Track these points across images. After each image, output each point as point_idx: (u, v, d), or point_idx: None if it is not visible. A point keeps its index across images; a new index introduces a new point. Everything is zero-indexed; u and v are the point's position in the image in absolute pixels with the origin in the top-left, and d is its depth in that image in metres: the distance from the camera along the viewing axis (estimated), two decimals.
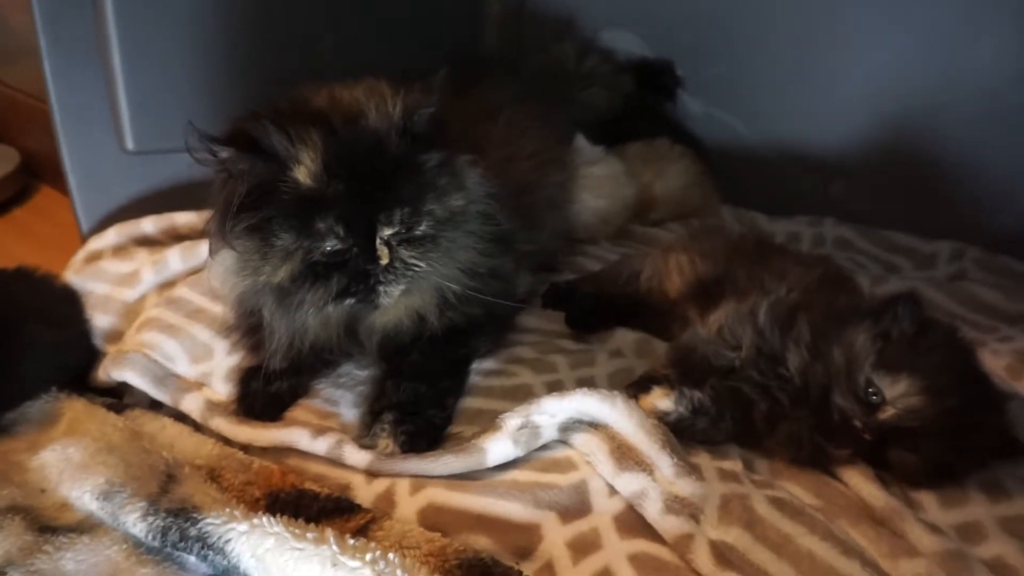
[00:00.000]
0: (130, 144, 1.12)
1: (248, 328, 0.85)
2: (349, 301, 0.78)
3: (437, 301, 0.84)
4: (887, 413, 0.71)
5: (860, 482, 0.73)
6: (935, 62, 1.24)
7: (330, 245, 0.75)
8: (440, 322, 0.85)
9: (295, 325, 0.81)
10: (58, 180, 1.20)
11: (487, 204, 0.85)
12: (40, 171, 1.65)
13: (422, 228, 0.78)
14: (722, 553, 0.65)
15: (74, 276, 1.03)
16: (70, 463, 0.75)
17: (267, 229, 0.75)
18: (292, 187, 0.74)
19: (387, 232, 0.76)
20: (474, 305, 0.86)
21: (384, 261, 0.76)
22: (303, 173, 0.74)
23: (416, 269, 0.78)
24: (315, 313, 0.80)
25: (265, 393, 0.85)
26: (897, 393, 0.71)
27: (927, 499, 0.72)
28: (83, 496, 0.71)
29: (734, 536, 0.65)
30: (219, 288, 0.84)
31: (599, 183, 1.26)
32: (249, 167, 0.74)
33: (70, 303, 0.99)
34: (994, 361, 0.89)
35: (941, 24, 1.22)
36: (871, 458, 0.74)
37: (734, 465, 0.75)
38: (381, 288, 0.77)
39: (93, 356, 0.95)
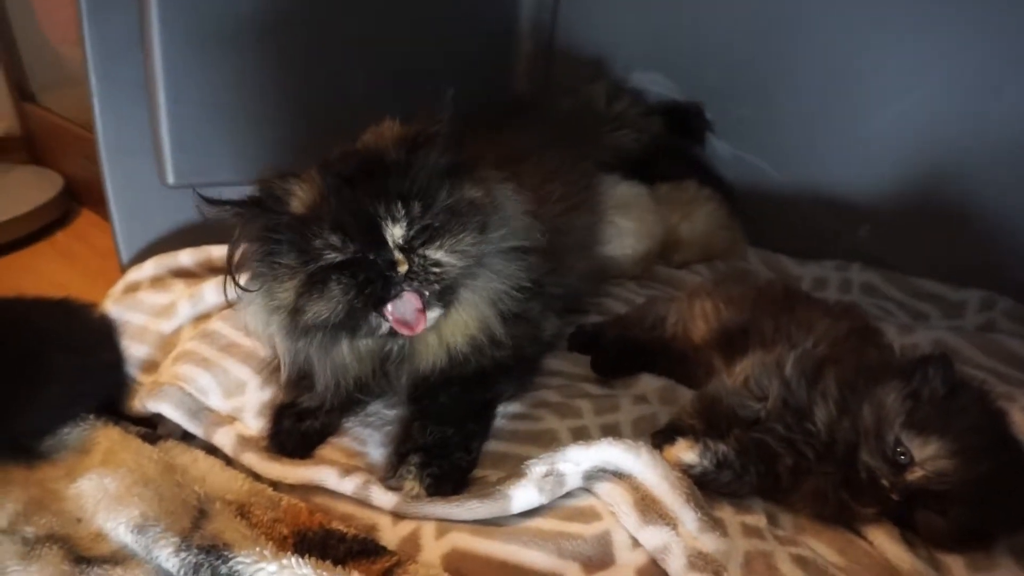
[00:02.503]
0: (171, 178, 1.16)
1: (298, 371, 0.87)
2: (387, 324, 0.78)
3: (494, 312, 0.85)
4: (916, 475, 0.71)
5: (886, 542, 0.72)
6: (960, 109, 1.24)
7: (330, 259, 0.77)
8: (475, 360, 0.86)
9: (335, 363, 0.83)
10: (99, 205, 1.24)
11: (524, 219, 0.87)
12: (81, 196, 1.70)
13: (439, 220, 0.78)
14: None
15: (113, 306, 1.06)
16: (107, 494, 0.77)
17: (271, 262, 0.79)
18: (289, 219, 0.78)
19: (397, 231, 0.76)
20: (502, 348, 0.88)
21: (403, 269, 0.76)
22: (297, 202, 0.78)
23: (439, 270, 0.77)
24: (349, 348, 0.82)
25: (296, 431, 0.87)
26: (927, 455, 0.71)
27: (954, 563, 0.71)
28: (118, 528, 0.73)
29: None
30: (255, 330, 0.87)
31: (633, 220, 1.27)
32: (250, 217, 0.79)
33: (103, 332, 1.02)
34: None
35: (966, 72, 1.23)
36: (898, 518, 0.74)
37: (758, 520, 0.75)
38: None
39: (124, 384, 0.98)
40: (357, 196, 0.76)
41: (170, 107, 1.12)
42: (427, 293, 0.78)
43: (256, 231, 0.80)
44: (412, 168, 0.78)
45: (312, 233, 0.76)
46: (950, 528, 0.71)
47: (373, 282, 0.76)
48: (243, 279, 0.82)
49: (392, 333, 0.80)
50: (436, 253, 0.77)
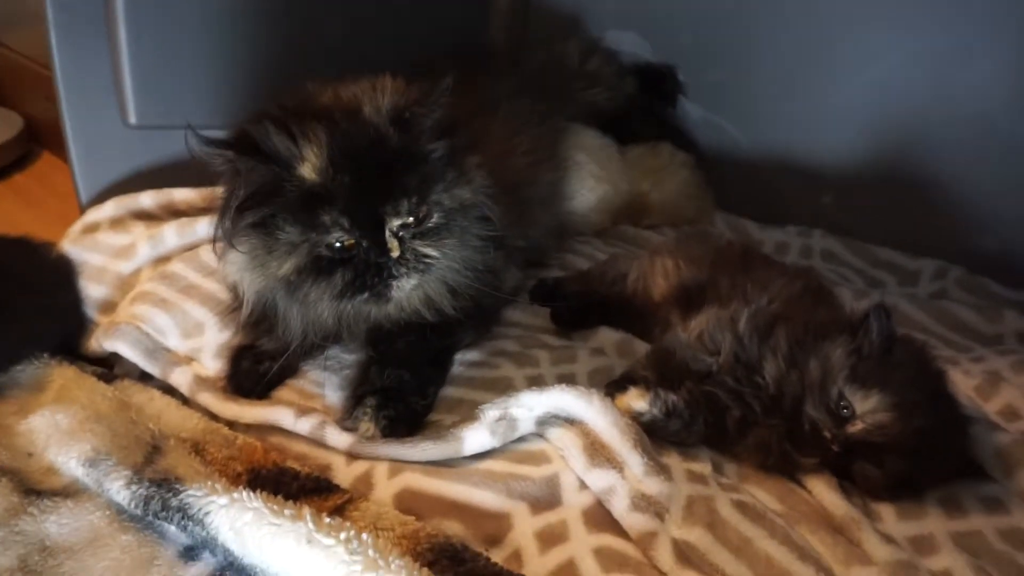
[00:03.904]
0: (133, 118, 1.13)
1: (260, 316, 0.86)
2: (362, 296, 0.79)
3: (447, 290, 0.86)
4: (856, 427, 0.73)
5: (823, 491, 0.75)
6: (930, 81, 1.26)
7: (336, 238, 0.76)
8: (433, 314, 0.87)
9: (309, 318, 0.83)
10: (60, 147, 1.21)
11: (487, 205, 0.86)
12: (42, 137, 1.66)
13: (434, 219, 0.80)
14: (683, 552, 0.67)
15: (70, 246, 1.05)
16: (58, 429, 0.77)
17: (271, 225, 0.77)
18: (298, 184, 0.75)
19: (395, 223, 0.77)
20: (464, 298, 0.88)
21: (395, 253, 0.77)
22: (308, 169, 0.75)
23: (428, 260, 0.80)
24: (331, 308, 0.82)
25: (255, 372, 0.87)
26: (867, 408, 0.73)
27: (886, 511, 0.75)
28: (69, 462, 0.73)
29: (696, 536, 0.68)
30: (237, 285, 0.85)
31: (597, 164, 1.28)
32: (251, 169, 0.75)
33: (62, 272, 1.01)
34: (965, 381, 0.91)
35: (937, 43, 1.24)
36: (836, 469, 0.77)
37: (703, 467, 0.77)
38: (394, 282, 0.79)
39: (83, 325, 0.97)
40: (369, 183, 0.75)
41: (132, 43, 1.09)
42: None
43: (256, 186, 0.76)
44: (419, 162, 0.78)
45: (321, 209, 0.75)
46: (885, 478, 0.74)
47: (369, 268, 0.77)
48: (231, 232, 0.78)
49: (370, 300, 0.81)
50: (427, 248, 0.79)
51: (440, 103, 0.79)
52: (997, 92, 1.20)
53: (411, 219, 0.78)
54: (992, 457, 0.79)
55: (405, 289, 0.80)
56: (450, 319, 0.89)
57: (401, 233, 0.78)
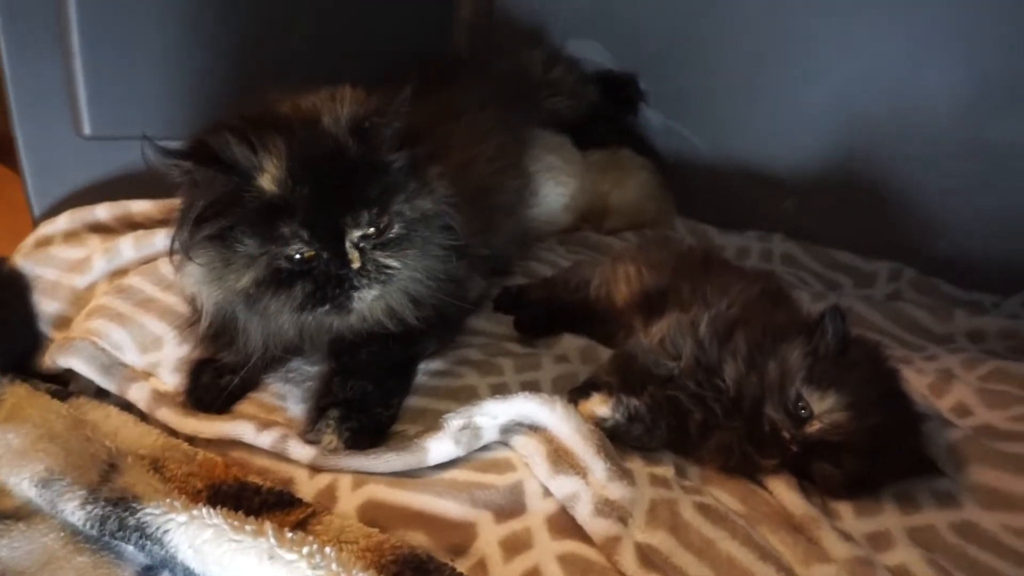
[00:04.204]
0: (87, 129, 1.11)
1: (219, 329, 0.85)
2: (323, 308, 0.78)
3: (409, 300, 0.86)
4: (814, 427, 0.74)
5: (783, 491, 0.76)
6: (885, 88, 1.30)
7: (295, 250, 0.75)
8: (396, 324, 0.86)
9: (270, 330, 0.82)
10: (12, 159, 1.18)
11: (449, 215, 0.86)
12: None
13: (395, 230, 0.79)
14: (647, 555, 0.67)
15: (23, 260, 1.02)
16: (9, 449, 0.74)
17: (229, 237, 0.76)
18: (257, 195, 0.75)
19: (356, 234, 0.77)
20: (426, 307, 0.88)
21: (356, 265, 0.77)
22: (267, 180, 0.75)
23: (389, 271, 0.79)
24: (292, 321, 0.81)
25: (215, 386, 0.86)
26: (824, 408, 0.75)
27: (844, 509, 0.76)
28: (21, 483, 0.71)
29: (659, 539, 0.68)
30: (196, 298, 0.84)
31: (559, 170, 1.29)
32: (210, 180, 0.74)
33: (14, 287, 0.98)
34: (918, 379, 0.94)
35: (890, 54, 1.28)
36: (796, 469, 0.78)
37: (666, 471, 0.78)
38: (355, 293, 0.78)
39: (35, 342, 0.94)
40: (328, 194, 0.75)
41: (86, 51, 1.07)
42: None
43: (215, 197, 0.75)
44: (379, 172, 0.78)
45: (281, 221, 0.74)
46: (843, 477, 0.76)
47: (330, 280, 0.77)
48: (189, 244, 0.77)
49: (331, 312, 0.80)
50: (389, 259, 0.79)
51: (399, 113, 0.79)
52: (947, 99, 1.25)
53: (371, 230, 0.77)
54: (945, 453, 0.82)
55: (366, 300, 0.80)
56: (413, 329, 0.88)
57: (362, 244, 0.78)
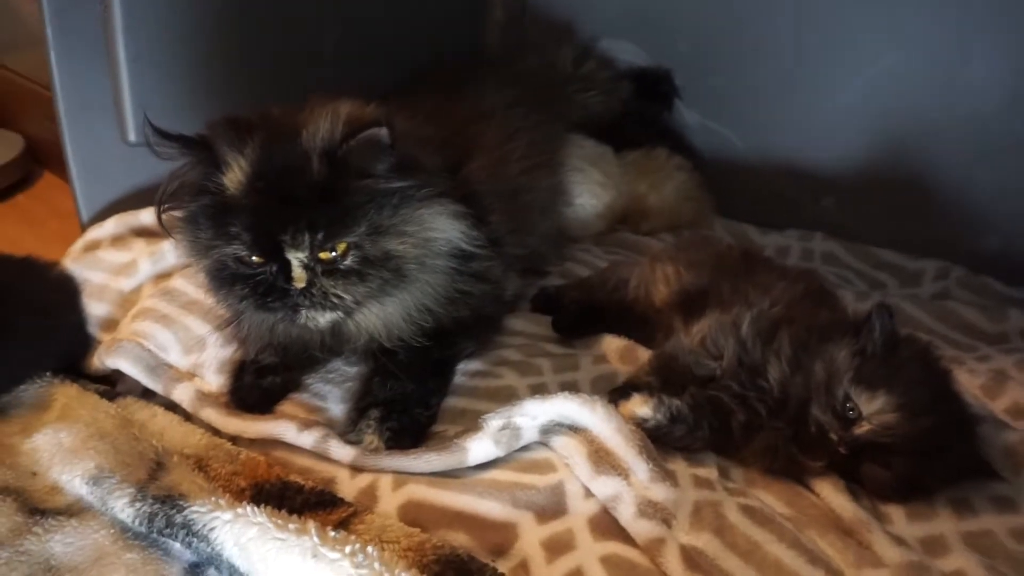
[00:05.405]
0: (132, 136, 1.13)
1: (230, 317, 0.88)
2: (276, 316, 0.80)
3: (407, 321, 0.84)
4: (863, 428, 0.73)
5: (831, 493, 0.75)
6: (928, 81, 1.26)
7: (237, 250, 0.77)
8: (411, 330, 0.85)
9: (254, 322, 0.84)
10: (61, 167, 1.21)
11: (467, 242, 0.84)
12: (43, 158, 1.66)
13: (348, 262, 0.77)
14: (692, 558, 0.66)
15: (72, 264, 1.05)
16: (61, 447, 0.77)
17: (195, 222, 0.80)
18: (218, 190, 0.77)
19: (298, 255, 0.76)
20: (461, 307, 0.88)
21: (299, 285, 0.77)
22: (231, 179, 0.77)
23: (335, 301, 0.78)
24: (259, 320, 0.83)
25: (257, 386, 0.87)
26: (874, 409, 0.73)
27: (895, 512, 0.74)
28: (73, 480, 0.73)
29: (704, 541, 0.67)
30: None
31: (597, 171, 1.28)
32: (188, 164, 0.79)
33: (65, 291, 1.01)
34: (971, 380, 0.91)
35: (933, 44, 1.24)
36: (844, 471, 0.76)
37: (709, 473, 0.77)
38: (303, 311, 0.78)
39: (86, 344, 0.97)
40: (275, 208, 0.75)
41: (131, 62, 1.09)
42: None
43: (187, 180, 0.80)
44: (334, 197, 0.76)
45: (229, 221, 0.76)
46: (893, 480, 0.74)
47: (273, 290, 0.77)
48: (159, 216, 0.83)
49: (284, 320, 0.81)
50: (336, 289, 0.78)
51: (380, 151, 0.76)
52: (995, 91, 1.20)
53: (310, 254, 0.76)
54: (1001, 456, 0.79)
55: (319, 322, 0.80)
56: (449, 328, 0.88)
57: (313, 266, 0.77)
